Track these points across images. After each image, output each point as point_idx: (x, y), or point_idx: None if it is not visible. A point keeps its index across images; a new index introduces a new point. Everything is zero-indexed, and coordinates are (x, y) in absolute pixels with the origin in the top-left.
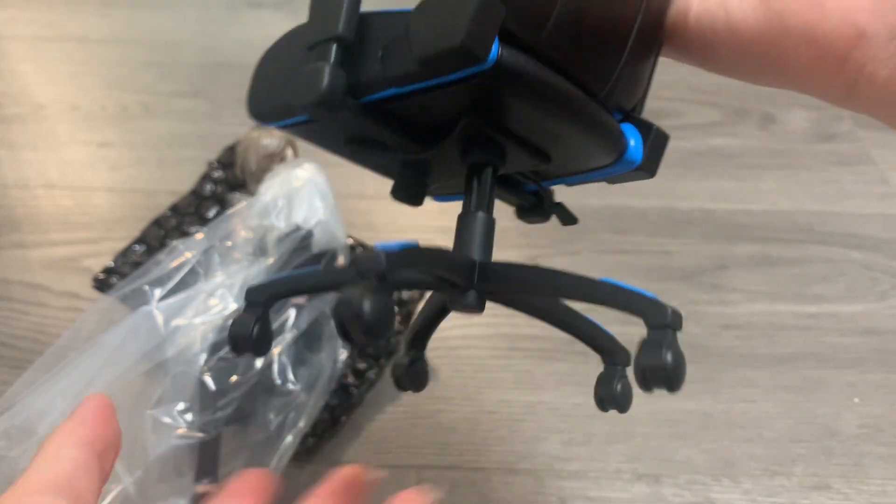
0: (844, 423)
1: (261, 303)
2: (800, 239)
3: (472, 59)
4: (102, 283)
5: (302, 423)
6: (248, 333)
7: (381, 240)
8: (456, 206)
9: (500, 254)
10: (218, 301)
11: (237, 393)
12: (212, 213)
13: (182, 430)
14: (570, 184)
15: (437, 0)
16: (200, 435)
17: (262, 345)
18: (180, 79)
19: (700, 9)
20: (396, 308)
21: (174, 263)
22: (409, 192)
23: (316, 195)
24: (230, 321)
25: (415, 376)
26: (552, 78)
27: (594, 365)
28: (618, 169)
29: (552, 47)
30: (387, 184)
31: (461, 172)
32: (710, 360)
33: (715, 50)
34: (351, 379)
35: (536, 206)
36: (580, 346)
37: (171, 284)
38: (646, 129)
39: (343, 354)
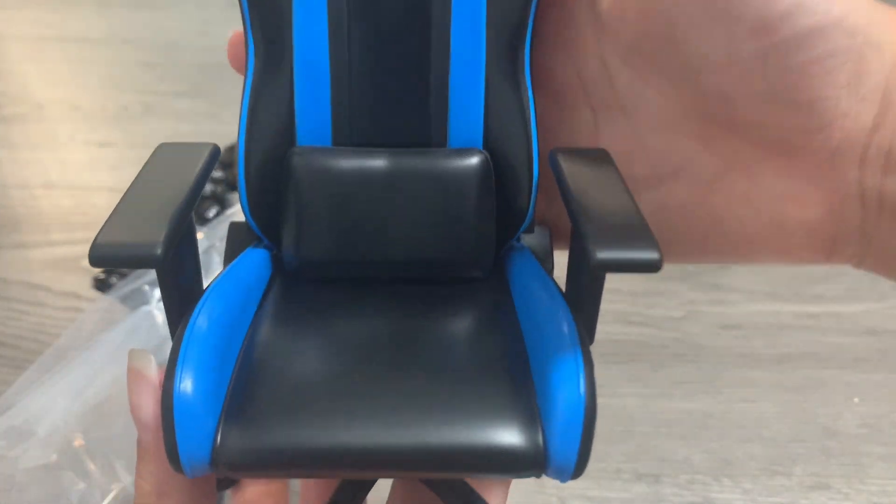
0: (845, 423)
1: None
2: None
3: None
4: (102, 283)
5: None
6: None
7: None
8: None
9: None
10: None
11: None
12: (211, 213)
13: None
14: None
15: None
16: None
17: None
18: (180, 79)
19: None
20: None
21: None
22: None
23: None
24: None
25: None
26: None
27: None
28: None
29: None
30: None
31: None
32: (709, 359)
33: (675, 259)
34: None
35: None
36: None
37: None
38: None
39: None
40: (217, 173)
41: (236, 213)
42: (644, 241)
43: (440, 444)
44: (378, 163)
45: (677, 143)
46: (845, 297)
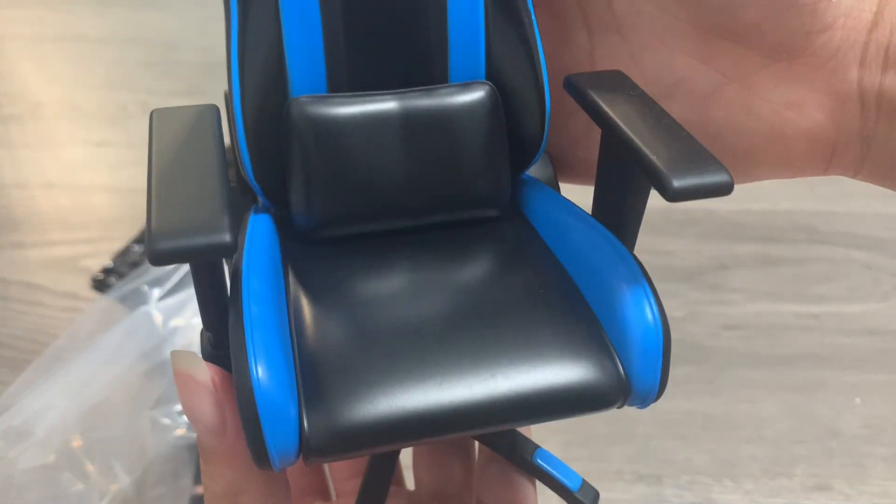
0: (846, 424)
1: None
2: (801, 239)
3: None
4: (101, 284)
5: None
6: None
7: None
8: None
9: None
10: None
11: None
12: None
13: (181, 431)
14: None
15: None
16: None
17: None
18: (179, 78)
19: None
20: None
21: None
22: None
23: None
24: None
25: None
26: None
27: None
28: None
29: None
30: None
31: None
32: (710, 360)
33: None
34: None
35: None
36: None
37: (169, 284)
38: None
39: None
40: None
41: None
42: (713, 165)
43: (528, 390)
44: (382, 107)
45: (674, 61)
46: (847, 298)
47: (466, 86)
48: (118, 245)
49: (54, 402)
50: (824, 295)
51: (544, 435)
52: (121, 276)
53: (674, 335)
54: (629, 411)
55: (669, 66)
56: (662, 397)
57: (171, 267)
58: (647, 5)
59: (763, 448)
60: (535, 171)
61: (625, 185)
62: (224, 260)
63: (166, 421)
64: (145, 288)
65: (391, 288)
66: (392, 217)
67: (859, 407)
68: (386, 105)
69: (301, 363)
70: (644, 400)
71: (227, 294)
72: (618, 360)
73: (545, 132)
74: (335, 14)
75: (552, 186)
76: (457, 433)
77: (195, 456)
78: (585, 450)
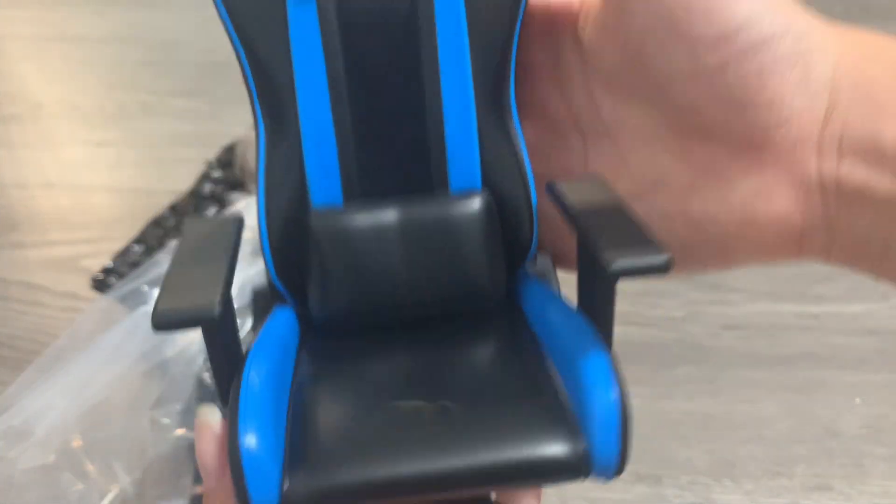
0: (846, 424)
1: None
2: None
3: None
4: (101, 284)
5: None
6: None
7: None
8: None
9: None
10: None
11: None
12: (211, 212)
13: (181, 431)
14: None
15: None
16: None
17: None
18: (179, 78)
19: None
20: None
21: None
22: None
23: None
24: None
25: None
26: None
27: None
28: None
29: None
30: None
31: None
32: (710, 360)
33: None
34: None
35: None
36: None
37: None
38: None
39: None
40: (216, 173)
41: (236, 212)
42: (652, 246)
43: (492, 462)
44: (389, 217)
45: (656, 158)
46: (847, 297)
47: (464, 195)
48: (118, 245)
49: (54, 402)
50: (824, 295)
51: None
52: (121, 276)
53: (674, 335)
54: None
55: (652, 164)
56: (662, 397)
57: None
58: (630, 113)
59: (763, 448)
60: (537, 265)
61: (593, 275)
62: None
63: (166, 421)
64: (145, 288)
65: (385, 370)
66: (395, 311)
67: (859, 407)
68: (393, 216)
69: (291, 429)
70: (606, 472)
71: (237, 363)
72: (580, 437)
73: (534, 232)
74: (347, 135)
75: (551, 276)
76: (423, 496)
77: (195, 455)
78: None
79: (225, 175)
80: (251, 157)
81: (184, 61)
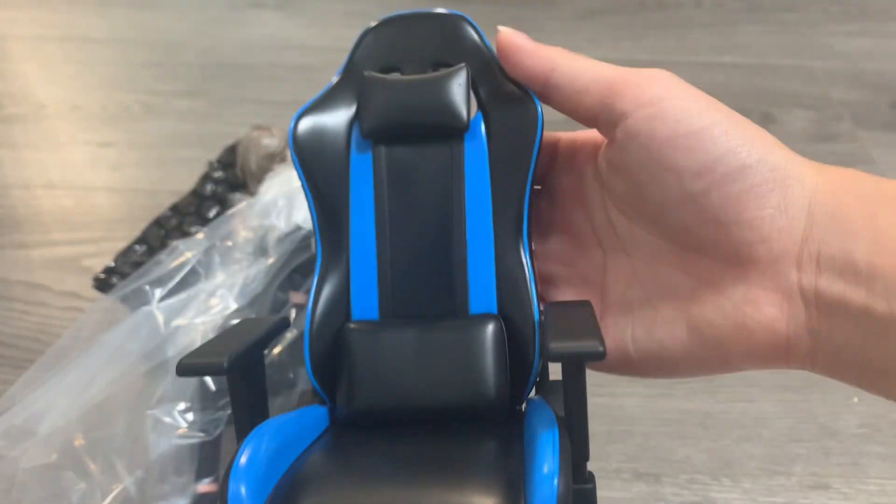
0: (844, 423)
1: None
2: None
3: None
4: (103, 283)
5: None
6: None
7: None
8: None
9: None
10: (218, 301)
11: None
12: (212, 212)
13: (183, 430)
14: None
15: None
16: (201, 435)
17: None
18: (181, 79)
19: (636, 349)
20: None
21: (175, 263)
22: None
23: None
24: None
25: None
26: None
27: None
28: None
29: None
30: None
31: None
32: None
33: (665, 373)
34: None
35: None
36: None
37: (171, 284)
38: None
39: None
40: (218, 173)
41: (237, 213)
42: (590, 339)
43: None
44: (414, 332)
45: (661, 270)
46: None
47: (480, 319)
48: (120, 245)
49: (56, 402)
50: None
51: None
52: (122, 275)
53: None
54: (629, 410)
55: (659, 274)
56: (661, 396)
57: (174, 267)
58: (638, 232)
59: (761, 447)
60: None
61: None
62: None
63: (168, 420)
64: (147, 288)
65: (385, 451)
66: (411, 415)
67: (857, 406)
68: (418, 331)
69: (285, 477)
70: None
71: (258, 415)
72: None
73: (537, 354)
74: (386, 263)
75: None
76: None
77: (197, 455)
78: None
79: (226, 175)
80: (252, 158)
81: (186, 62)
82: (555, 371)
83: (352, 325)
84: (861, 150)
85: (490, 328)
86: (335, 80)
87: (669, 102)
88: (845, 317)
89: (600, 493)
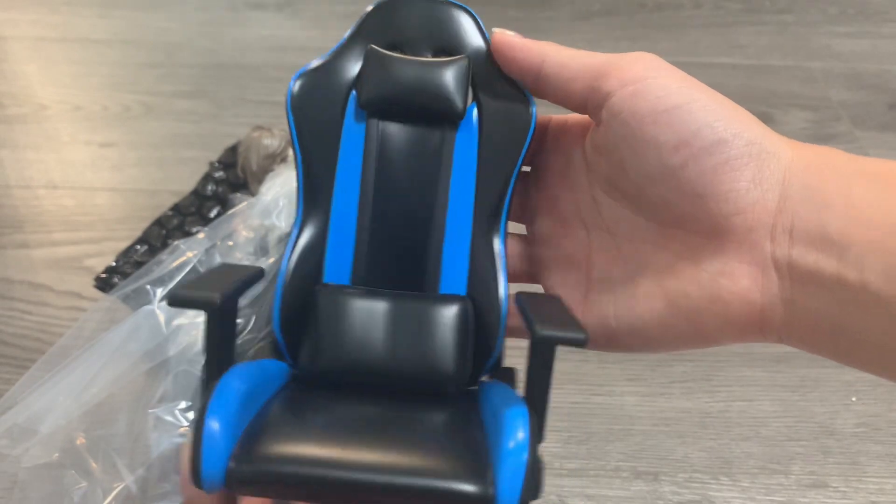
0: (842, 422)
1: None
2: None
3: None
4: (104, 283)
5: None
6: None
7: None
8: None
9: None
10: None
11: None
12: (213, 212)
13: (184, 429)
14: None
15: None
16: None
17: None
18: (182, 79)
19: (618, 325)
20: None
21: (176, 263)
22: None
23: None
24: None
25: None
26: None
27: (594, 364)
28: None
29: None
30: None
31: None
32: (707, 358)
33: (647, 348)
34: None
35: None
36: None
37: (172, 284)
38: None
39: None
40: (219, 174)
41: (237, 212)
42: (574, 328)
43: (409, 485)
44: (383, 303)
45: (642, 247)
46: None
47: (449, 299)
48: (122, 245)
49: (58, 401)
50: None
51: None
52: (124, 275)
53: None
54: (628, 409)
55: (639, 252)
56: (660, 395)
57: (175, 266)
58: (622, 211)
59: (760, 446)
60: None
61: (535, 348)
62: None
63: (169, 419)
64: (148, 287)
65: (347, 410)
66: (371, 379)
67: (855, 405)
68: (386, 303)
69: (249, 428)
70: None
71: (227, 362)
72: (491, 484)
73: (499, 341)
74: (365, 231)
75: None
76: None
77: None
78: (584, 447)
79: (227, 175)
80: (253, 158)
81: (186, 63)
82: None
83: (323, 287)
84: (859, 151)
85: (457, 308)
86: (338, 47)
87: (652, 80)
88: (818, 286)
89: (600, 492)
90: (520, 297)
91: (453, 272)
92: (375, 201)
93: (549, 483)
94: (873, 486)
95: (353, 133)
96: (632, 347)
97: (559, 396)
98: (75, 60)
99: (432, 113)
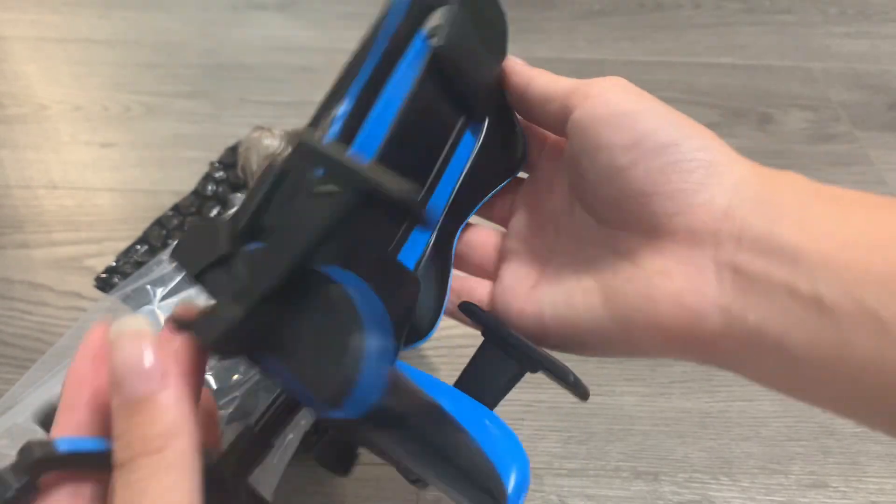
0: (842, 422)
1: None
2: None
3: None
4: (104, 283)
5: (304, 421)
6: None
7: None
8: None
9: None
10: None
11: (238, 391)
12: (214, 213)
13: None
14: None
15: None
16: None
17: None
18: (182, 80)
19: (552, 315)
20: None
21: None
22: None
23: None
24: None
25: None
26: None
27: (593, 363)
28: None
29: None
30: None
31: None
32: None
33: (576, 346)
34: None
35: None
36: None
37: (172, 284)
38: None
39: None
40: (219, 174)
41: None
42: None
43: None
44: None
45: (593, 250)
46: None
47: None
48: (122, 245)
49: (58, 401)
50: None
51: (544, 433)
52: (124, 275)
53: None
54: (628, 409)
55: (592, 254)
56: (660, 395)
57: (174, 267)
58: (588, 219)
59: (759, 446)
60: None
61: (504, 356)
62: None
63: None
64: (148, 287)
65: None
66: None
67: None
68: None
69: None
70: None
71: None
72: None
73: (434, 328)
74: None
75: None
76: None
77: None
78: (584, 447)
79: (227, 176)
80: (253, 158)
81: (187, 63)
82: None
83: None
84: (859, 151)
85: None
86: None
87: (611, 93)
88: (764, 295)
89: (600, 492)
90: (463, 306)
91: (411, 246)
92: (384, 145)
93: (550, 483)
94: (873, 486)
95: (407, 67)
96: (564, 344)
97: (559, 396)
98: (75, 60)
99: (467, 96)
